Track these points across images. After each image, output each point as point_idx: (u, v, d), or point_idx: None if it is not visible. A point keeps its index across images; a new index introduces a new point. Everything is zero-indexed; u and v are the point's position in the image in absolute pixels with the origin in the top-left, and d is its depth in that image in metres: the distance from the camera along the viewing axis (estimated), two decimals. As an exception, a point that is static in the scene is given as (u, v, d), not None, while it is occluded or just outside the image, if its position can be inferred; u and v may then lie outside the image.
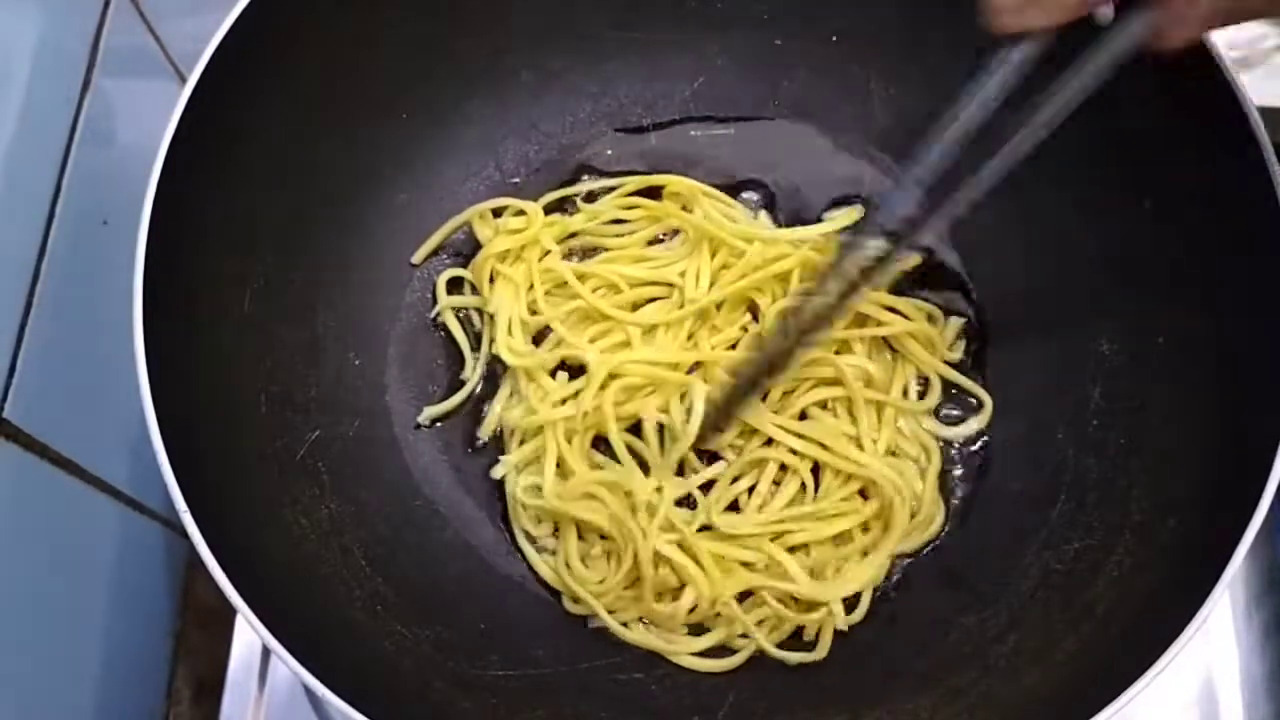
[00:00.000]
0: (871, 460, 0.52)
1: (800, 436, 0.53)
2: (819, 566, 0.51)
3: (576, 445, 0.53)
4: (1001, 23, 0.37)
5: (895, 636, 0.50)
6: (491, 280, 0.57)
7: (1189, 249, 0.48)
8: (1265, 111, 0.44)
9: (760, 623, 0.51)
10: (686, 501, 0.52)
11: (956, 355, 0.56)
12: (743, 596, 0.51)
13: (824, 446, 0.52)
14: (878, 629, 0.51)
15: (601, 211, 0.58)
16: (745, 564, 0.51)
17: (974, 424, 0.55)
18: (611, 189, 0.59)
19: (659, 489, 0.51)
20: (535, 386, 0.55)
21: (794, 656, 0.50)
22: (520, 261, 0.57)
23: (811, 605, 0.50)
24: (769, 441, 0.53)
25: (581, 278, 0.56)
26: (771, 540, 0.51)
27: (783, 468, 0.53)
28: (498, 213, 0.59)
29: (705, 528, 0.51)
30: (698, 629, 0.51)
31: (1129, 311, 0.51)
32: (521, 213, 0.58)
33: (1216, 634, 0.56)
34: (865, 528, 0.52)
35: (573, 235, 0.59)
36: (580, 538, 0.52)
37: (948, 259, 0.58)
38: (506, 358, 0.55)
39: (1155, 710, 0.55)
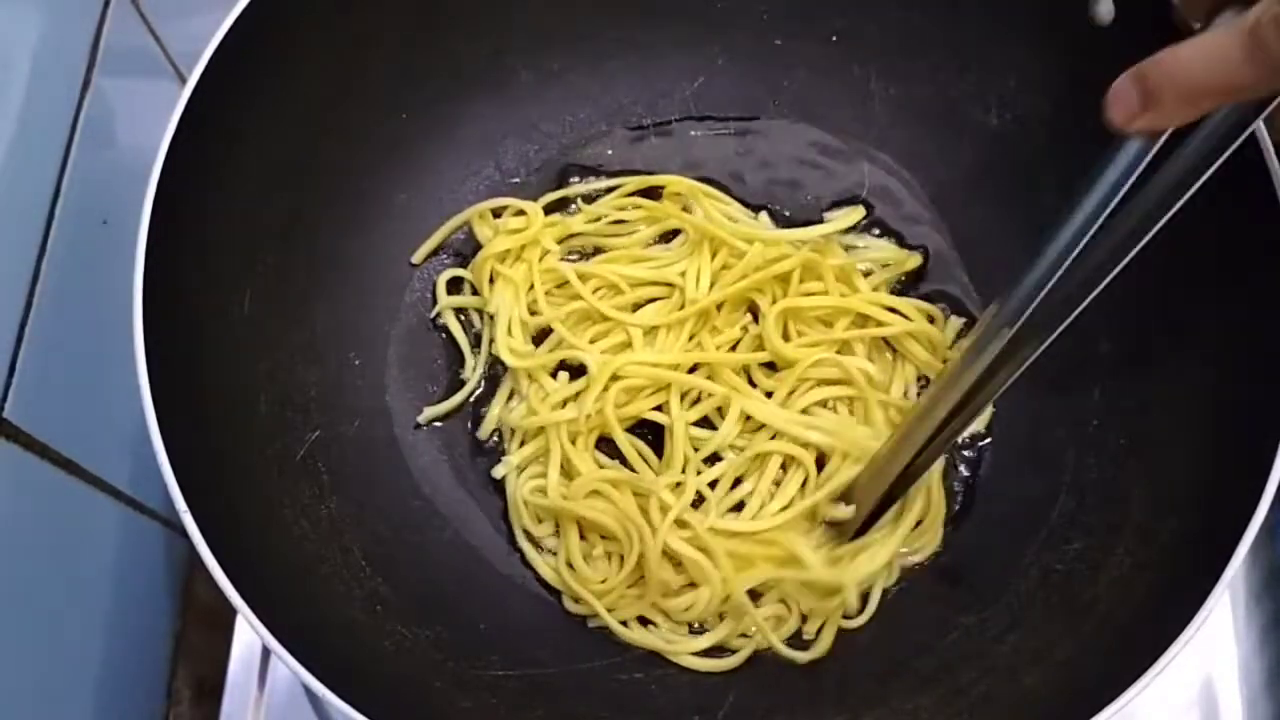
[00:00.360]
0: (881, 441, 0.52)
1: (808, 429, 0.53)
2: (833, 557, 0.51)
3: (581, 446, 0.53)
4: (1116, 122, 0.36)
5: (895, 636, 0.50)
6: (491, 281, 0.57)
7: (1189, 248, 0.48)
8: (1265, 111, 0.44)
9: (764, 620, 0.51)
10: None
11: (956, 355, 0.56)
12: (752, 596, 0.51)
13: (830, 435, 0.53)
14: (878, 629, 0.51)
15: (601, 212, 0.58)
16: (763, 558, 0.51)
17: (974, 424, 0.55)
18: (612, 189, 0.59)
19: (675, 485, 0.51)
20: (536, 387, 0.55)
21: (802, 655, 0.50)
22: (520, 262, 0.57)
23: (828, 594, 0.50)
24: (773, 437, 0.53)
25: (582, 278, 0.56)
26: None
27: (783, 468, 0.53)
28: (498, 213, 0.59)
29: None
30: (698, 629, 0.51)
31: (1129, 311, 0.51)
32: (521, 213, 0.58)
33: (1216, 634, 0.56)
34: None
35: (573, 235, 0.59)
36: (581, 537, 0.52)
37: (948, 259, 0.58)
38: (507, 358, 0.55)
39: (1155, 710, 0.55)
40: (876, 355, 0.55)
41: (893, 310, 0.55)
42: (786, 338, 0.55)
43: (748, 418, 0.54)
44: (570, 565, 0.52)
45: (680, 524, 0.50)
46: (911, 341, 0.55)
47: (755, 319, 0.56)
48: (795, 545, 0.50)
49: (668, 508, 0.50)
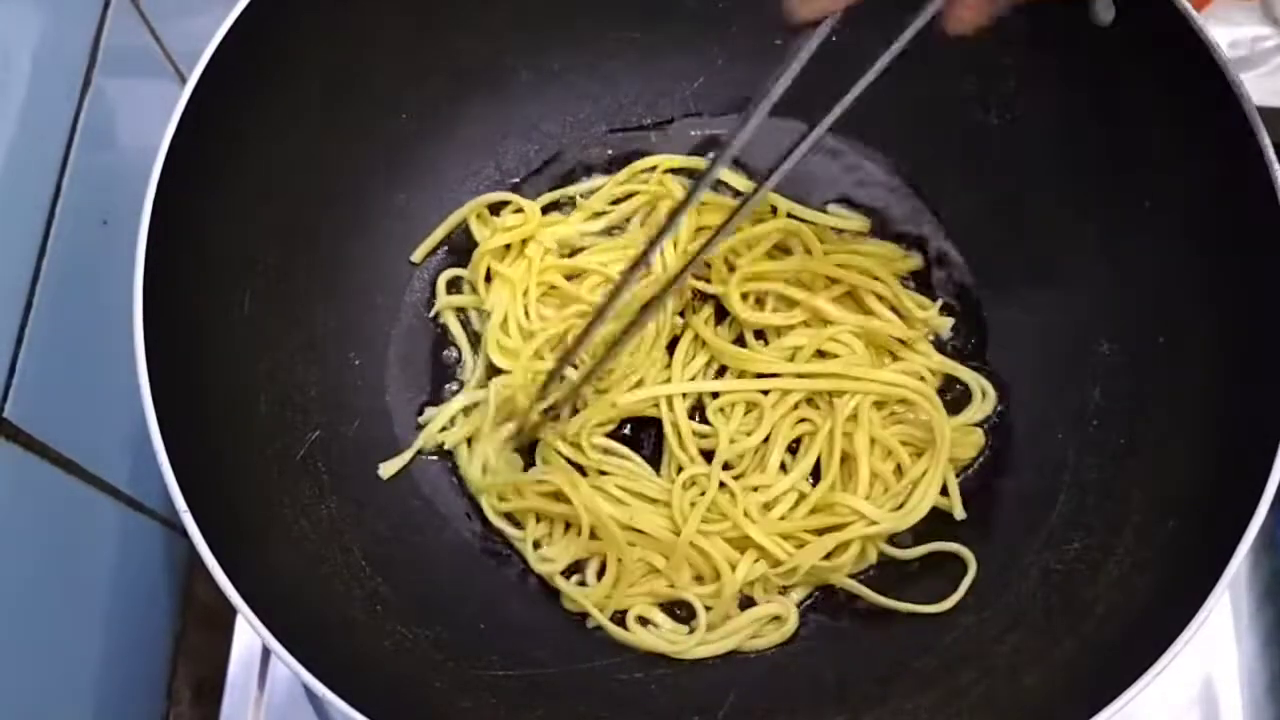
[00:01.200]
0: (895, 376, 0.53)
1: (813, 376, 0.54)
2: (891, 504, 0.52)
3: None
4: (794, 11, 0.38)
5: (895, 637, 0.50)
6: (488, 280, 0.57)
7: (1189, 248, 0.48)
8: (1265, 111, 0.44)
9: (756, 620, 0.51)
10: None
11: (911, 264, 0.57)
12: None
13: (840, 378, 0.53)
14: (877, 629, 0.51)
15: (597, 207, 0.58)
16: (816, 531, 0.52)
17: (973, 412, 0.55)
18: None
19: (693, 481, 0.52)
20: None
21: (905, 606, 0.50)
22: (522, 259, 0.57)
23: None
24: (766, 439, 0.53)
25: (573, 274, 0.56)
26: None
27: (782, 467, 0.53)
28: (497, 212, 0.59)
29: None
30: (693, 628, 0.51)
31: (1129, 311, 0.51)
32: (520, 210, 0.58)
33: (1216, 635, 0.56)
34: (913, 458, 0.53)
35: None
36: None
37: (948, 259, 0.58)
38: (496, 358, 0.55)
39: (1155, 710, 0.55)
40: (876, 356, 0.55)
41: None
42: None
43: (747, 412, 0.54)
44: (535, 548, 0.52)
45: (720, 516, 0.51)
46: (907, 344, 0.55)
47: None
48: (854, 501, 0.51)
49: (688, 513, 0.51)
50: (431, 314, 0.57)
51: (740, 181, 0.58)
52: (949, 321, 0.56)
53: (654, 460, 0.54)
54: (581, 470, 0.53)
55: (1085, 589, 0.46)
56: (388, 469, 0.53)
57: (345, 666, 0.42)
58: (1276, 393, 0.43)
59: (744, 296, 0.55)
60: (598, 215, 0.59)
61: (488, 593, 0.52)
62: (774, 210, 0.58)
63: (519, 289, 0.56)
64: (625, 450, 0.54)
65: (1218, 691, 0.56)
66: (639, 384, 0.54)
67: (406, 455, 0.54)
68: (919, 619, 0.50)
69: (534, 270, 0.56)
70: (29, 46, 0.47)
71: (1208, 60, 0.45)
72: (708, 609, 0.51)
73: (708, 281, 0.55)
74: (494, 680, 0.48)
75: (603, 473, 0.53)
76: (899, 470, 0.53)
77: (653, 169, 0.59)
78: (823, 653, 0.51)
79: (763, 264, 0.55)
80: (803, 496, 0.52)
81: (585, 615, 0.51)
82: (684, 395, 0.54)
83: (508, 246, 0.57)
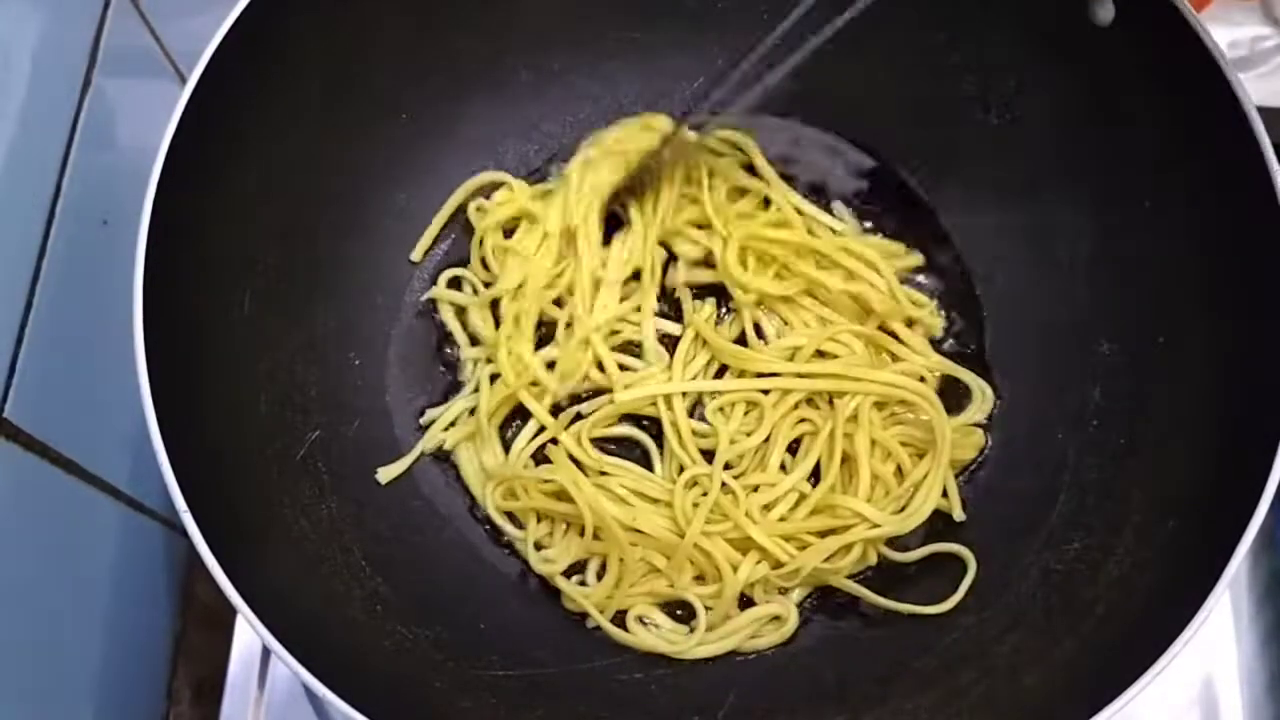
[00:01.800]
0: (895, 376, 0.53)
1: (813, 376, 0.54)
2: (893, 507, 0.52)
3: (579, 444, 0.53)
4: None
5: (895, 637, 0.50)
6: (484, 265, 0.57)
7: (1189, 249, 0.48)
8: (1265, 111, 0.44)
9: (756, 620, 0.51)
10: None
11: (912, 261, 0.57)
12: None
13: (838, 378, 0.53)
14: (877, 629, 0.51)
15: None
16: (817, 532, 0.52)
17: (973, 412, 0.55)
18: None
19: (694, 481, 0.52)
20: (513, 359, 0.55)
21: (905, 607, 0.50)
22: (530, 235, 0.57)
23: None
24: (766, 439, 0.53)
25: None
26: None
27: (782, 467, 0.53)
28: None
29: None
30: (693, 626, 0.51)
31: (1129, 311, 0.51)
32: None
33: (1216, 634, 0.56)
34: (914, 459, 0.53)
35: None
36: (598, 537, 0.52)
37: (949, 257, 0.58)
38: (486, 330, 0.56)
39: (1155, 710, 0.55)
40: (874, 356, 0.55)
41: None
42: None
43: (747, 412, 0.54)
44: (537, 550, 0.52)
45: (722, 517, 0.51)
46: (903, 342, 0.55)
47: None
48: (859, 505, 0.51)
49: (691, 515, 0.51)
50: (424, 298, 0.57)
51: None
52: (940, 321, 0.56)
53: (644, 460, 0.54)
54: (583, 470, 0.53)
55: (1085, 589, 0.47)
56: (386, 474, 0.53)
57: (345, 666, 0.42)
58: (1276, 393, 0.43)
59: (743, 259, 0.56)
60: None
61: (488, 593, 0.52)
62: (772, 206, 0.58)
63: (532, 262, 0.56)
64: (619, 460, 0.54)
65: (1218, 691, 0.56)
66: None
67: (406, 461, 0.54)
68: (919, 619, 0.50)
69: (549, 243, 0.56)
70: (29, 46, 0.48)
71: (1208, 60, 0.45)
72: (708, 609, 0.51)
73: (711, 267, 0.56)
74: (494, 680, 0.48)
75: (603, 473, 0.53)
76: (899, 472, 0.53)
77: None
78: (823, 653, 0.51)
79: (766, 230, 0.56)
80: (803, 497, 0.52)
81: (585, 615, 0.51)
82: (684, 394, 0.54)
83: (507, 235, 0.57)
